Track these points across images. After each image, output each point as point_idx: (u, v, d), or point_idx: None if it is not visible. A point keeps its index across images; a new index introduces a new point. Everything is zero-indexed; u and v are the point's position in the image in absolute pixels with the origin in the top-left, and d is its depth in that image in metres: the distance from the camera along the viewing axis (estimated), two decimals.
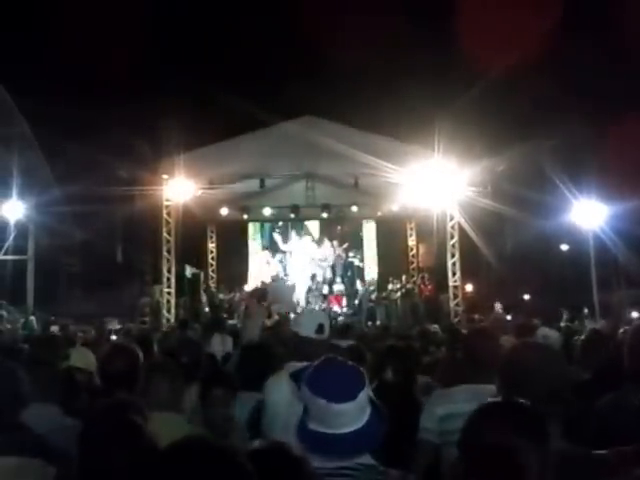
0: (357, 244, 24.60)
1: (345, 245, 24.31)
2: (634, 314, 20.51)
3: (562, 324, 15.23)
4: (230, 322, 18.17)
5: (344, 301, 22.71)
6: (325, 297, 22.36)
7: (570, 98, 24.52)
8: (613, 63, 25.47)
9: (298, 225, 24.26)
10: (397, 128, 19.42)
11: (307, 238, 24.31)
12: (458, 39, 23.12)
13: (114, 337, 12.41)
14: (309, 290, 22.30)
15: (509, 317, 18.81)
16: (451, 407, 3.20)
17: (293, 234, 24.37)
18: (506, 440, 1.80)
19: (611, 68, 25.62)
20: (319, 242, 24.17)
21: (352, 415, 2.05)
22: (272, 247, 24.53)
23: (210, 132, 19.69)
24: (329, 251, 24.06)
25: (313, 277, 22.91)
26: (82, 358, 4.81)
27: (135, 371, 3.66)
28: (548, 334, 6.93)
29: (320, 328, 3.59)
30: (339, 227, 24.18)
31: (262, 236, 24.65)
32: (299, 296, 21.93)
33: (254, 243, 24.64)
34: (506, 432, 1.82)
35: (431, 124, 18.65)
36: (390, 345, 4.67)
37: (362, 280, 23.82)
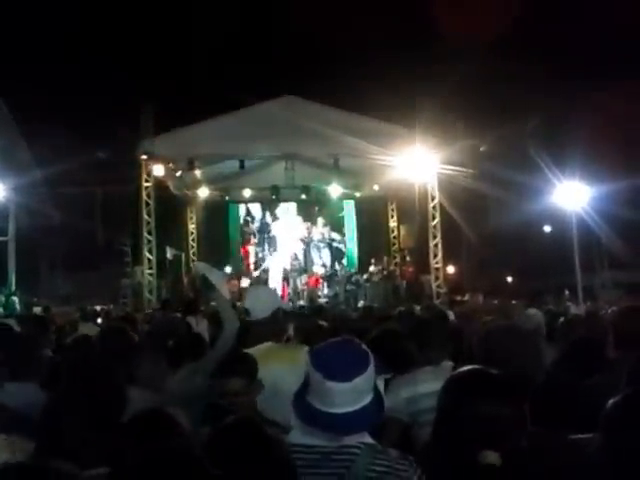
0: (337, 225, 24.52)
1: (325, 226, 24.23)
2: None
3: (545, 307, 15.21)
4: (212, 304, 18.12)
5: (322, 282, 22.64)
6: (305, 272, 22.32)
7: (554, 78, 24.47)
8: (598, 43, 25.41)
9: (277, 207, 24.19)
10: (378, 108, 19.30)
11: (289, 218, 24.24)
12: (440, 19, 22.98)
13: (99, 320, 12.32)
14: (292, 270, 22.28)
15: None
16: (414, 389, 3.26)
17: (277, 213, 24.30)
18: (487, 407, 1.86)
19: (595, 49, 25.57)
20: (300, 222, 24.11)
21: (345, 397, 2.05)
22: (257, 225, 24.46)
23: (189, 113, 19.55)
24: (308, 231, 24.00)
25: (294, 257, 22.87)
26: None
27: (131, 350, 3.71)
28: (532, 314, 6.94)
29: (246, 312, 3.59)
30: (317, 208, 24.06)
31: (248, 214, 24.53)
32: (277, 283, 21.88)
33: (235, 219, 24.52)
34: (486, 398, 1.88)
35: (412, 104, 18.58)
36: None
37: (341, 261, 23.79)
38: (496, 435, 1.84)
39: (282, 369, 3.51)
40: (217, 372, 3.14)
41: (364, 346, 2.24)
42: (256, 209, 24.53)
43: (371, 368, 2.12)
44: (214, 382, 3.09)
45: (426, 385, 3.09)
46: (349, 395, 2.06)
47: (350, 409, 2.06)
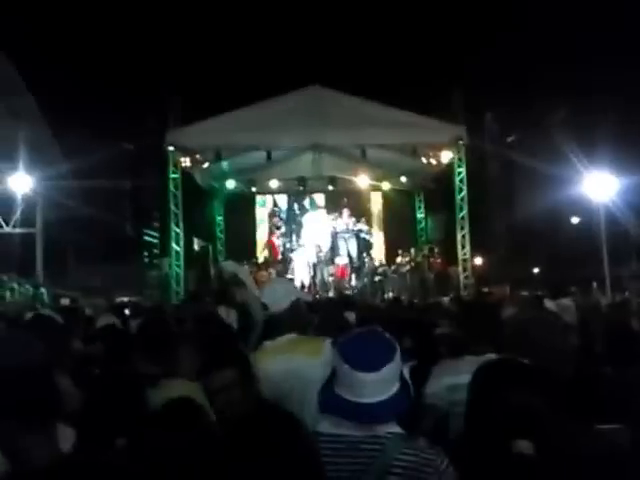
0: (364, 217, 24.43)
1: (352, 217, 24.17)
2: None
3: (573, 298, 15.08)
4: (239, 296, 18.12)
5: (349, 273, 22.60)
6: (332, 264, 22.28)
7: (584, 66, 24.16)
8: (630, 32, 25.03)
9: (304, 198, 24.16)
10: (406, 98, 19.19)
11: (316, 209, 24.22)
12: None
13: (126, 311, 12.38)
14: (318, 261, 22.26)
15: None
16: (456, 378, 3.18)
17: (304, 204, 24.28)
18: (518, 395, 1.87)
19: (626, 38, 25.20)
20: (327, 213, 24.08)
21: (374, 386, 2.08)
22: (283, 216, 24.46)
23: (216, 104, 19.56)
24: (335, 223, 23.96)
25: (319, 248, 22.87)
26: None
27: (168, 341, 3.68)
28: (564, 304, 6.88)
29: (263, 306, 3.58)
30: (345, 199, 24.03)
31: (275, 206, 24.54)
32: (304, 277, 21.85)
33: (261, 210, 24.53)
34: (514, 387, 1.89)
35: (440, 95, 18.46)
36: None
37: (369, 253, 23.72)
38: (527, 424, 1.85)
39: (304, 359, 3.49)
40: (202, 370, 3.06)
41: (389, 335, 2.25)
42: (282, 200, 24.53)
43: (398, 357, 2.15)
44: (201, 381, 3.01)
45: (467, 376, 3.06)
46: (378, 385, 2.08)
47: (380, 398, 2.08)
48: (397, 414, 2.15)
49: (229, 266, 5.64)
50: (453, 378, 3.24)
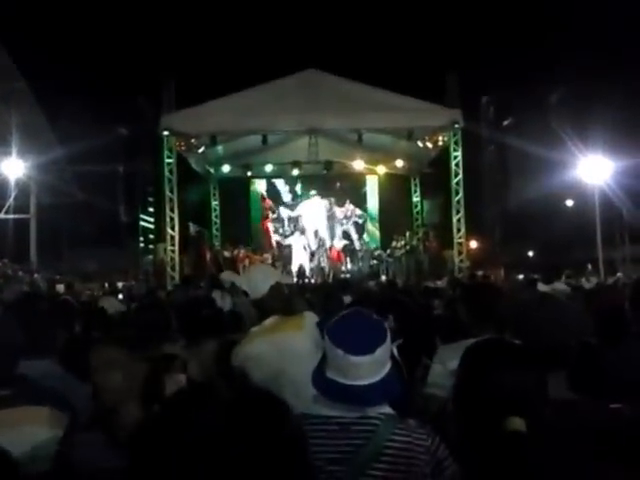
0: (360, 201, 24.44)
1: (348, 202, 24.16)
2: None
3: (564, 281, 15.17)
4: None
5: (344, 257, 22.64)
6: (328, 249, 22.32)
7: (578, 51, 24.12)
8: (624, 16, 24.96)
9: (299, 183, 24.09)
10: (402, 82, 19.12)
11: (311, 194, 24.18)
12: None
13: (120, 296, 12.38)
14: (317, 247, 22.29)
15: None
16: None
17: (298, 189, 24.22)
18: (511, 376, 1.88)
19: (620, 21, 25.13)
20: (323, 198, 24.05)
21: (368, 368, 2.09)
22: (278, 201, 24.44)
23: (210, 88, 19.41)
24: (331, 207, 23.94)
25: (316, 233, 22.86)
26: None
27: (168, 323, 3.75)
28: (559, 288, 6.91)
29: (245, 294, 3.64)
30: (338, 183, 23.97)
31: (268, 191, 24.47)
32: (302, 258, 21.86)
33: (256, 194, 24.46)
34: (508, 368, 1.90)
35: (437, 79, 18.39)
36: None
37: (364, 237, 23.74)
38: (519, 402, 1.86)
39: (288, 335, 3.52)
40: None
41: (376, 316, 2.27)
42: (277, 185, 24.45)
43: (389, 337, 2.16)
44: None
45: None
46: (373, 367, 2.09)
47: (374, 380, 2.09)
48: (391, 394, 2.17)
49: (226, 277, 5.77)
50: (456, 362, 3.26)
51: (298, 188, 24.23)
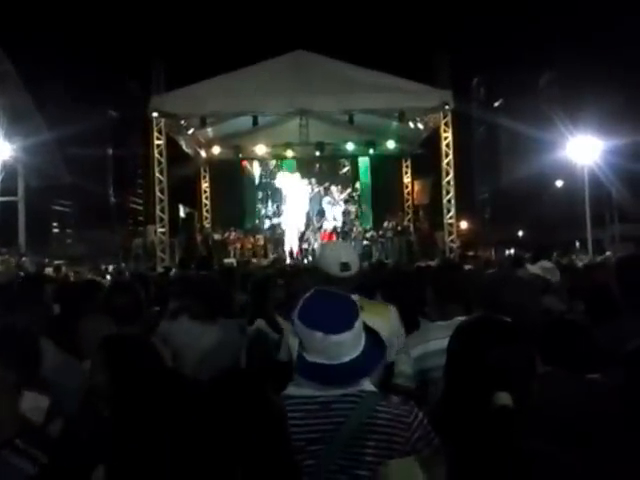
0: (351, 182, 24.39)
1: (339, 183, 24.13)
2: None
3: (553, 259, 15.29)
4: (226, 261, 18.15)
5: (335, 239, 22.62)
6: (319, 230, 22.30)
7: (568, 33, 24.09)
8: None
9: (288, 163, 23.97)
10: (392, 63, 19.02)
11: (300, 175, 24.07)
12: None
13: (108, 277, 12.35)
14: (307, 227, 22.26)
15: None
16: (424, 347, 3.22)
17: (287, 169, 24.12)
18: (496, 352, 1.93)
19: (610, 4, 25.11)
20: (314, 179, 23.97)
21: (350, 344, 2.06)
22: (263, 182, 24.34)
23: (200, 69, 19.28)
24: (322, 188, 23.90)
25: (307, 214, 22.83)
26: None
27: (139, 307, 3.63)
28: (546, 266, 6.91)
29: (345, 266, 3.40)
30: (329, 164, 23.86)
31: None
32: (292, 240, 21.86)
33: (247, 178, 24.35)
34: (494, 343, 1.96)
35: (428, 59, 18.33)
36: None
37: (356, 218, 23.74)
38: (507, 378, 1.90)
39: (374, 321, 3.43)
40: None
41: (339, 291, 2.26)
42: (268, 166, 24.33)
43: (358, 307, 2.15)
44: None
45: (437, 342, 3.05)
46: (354, 341, 2.07)
47: (355, 354, 2.07)
48: (376, 362, 2.17)
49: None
50: (421, 348, 3.24)
51: (288, 168, 23.98)
